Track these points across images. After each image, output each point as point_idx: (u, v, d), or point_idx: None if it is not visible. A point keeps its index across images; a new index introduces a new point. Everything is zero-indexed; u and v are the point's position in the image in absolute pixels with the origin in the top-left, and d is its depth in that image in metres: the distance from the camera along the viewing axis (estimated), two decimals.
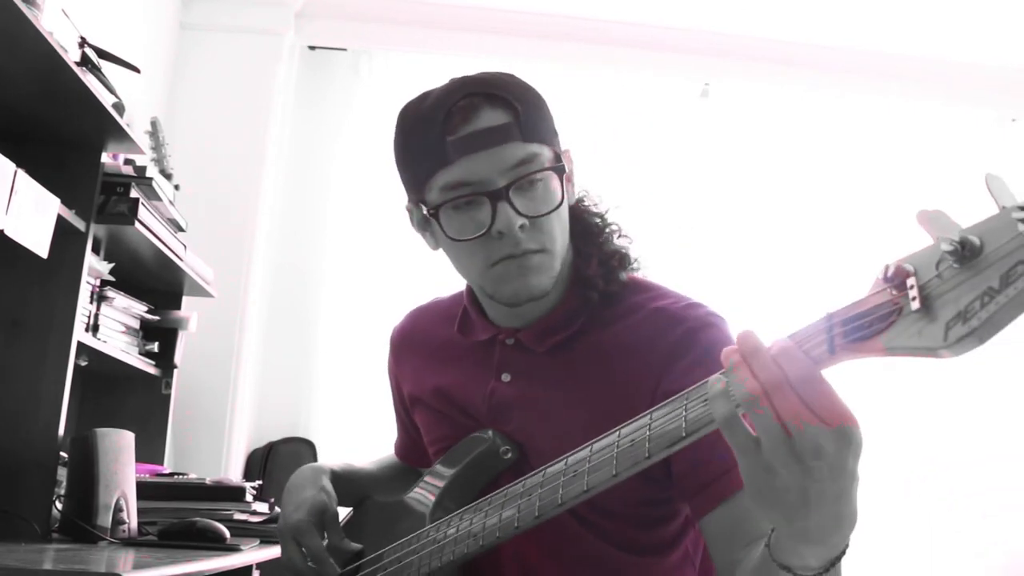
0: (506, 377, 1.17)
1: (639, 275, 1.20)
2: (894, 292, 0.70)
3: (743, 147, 3.83)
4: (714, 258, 3.67)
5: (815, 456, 0.71)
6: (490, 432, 1.15)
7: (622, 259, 1.18)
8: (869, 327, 0.70)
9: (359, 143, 3.72)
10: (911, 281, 0.68)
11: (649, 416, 0.87)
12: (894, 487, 3.53)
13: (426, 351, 1.29)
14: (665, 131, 3.82)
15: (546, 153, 1.09)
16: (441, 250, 1.17)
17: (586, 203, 1.22)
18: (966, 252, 0.65)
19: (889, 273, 0.70)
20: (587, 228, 1.19)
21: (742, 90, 3.87)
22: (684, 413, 0.83)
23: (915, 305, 0.67)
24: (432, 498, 1.16)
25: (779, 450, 0.72)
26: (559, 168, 1.10)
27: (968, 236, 0.65)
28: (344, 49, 3.82)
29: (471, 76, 1.12)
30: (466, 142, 1.05)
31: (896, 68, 3.82)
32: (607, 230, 1.20)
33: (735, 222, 3.78)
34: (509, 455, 1.13)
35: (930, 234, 0.68)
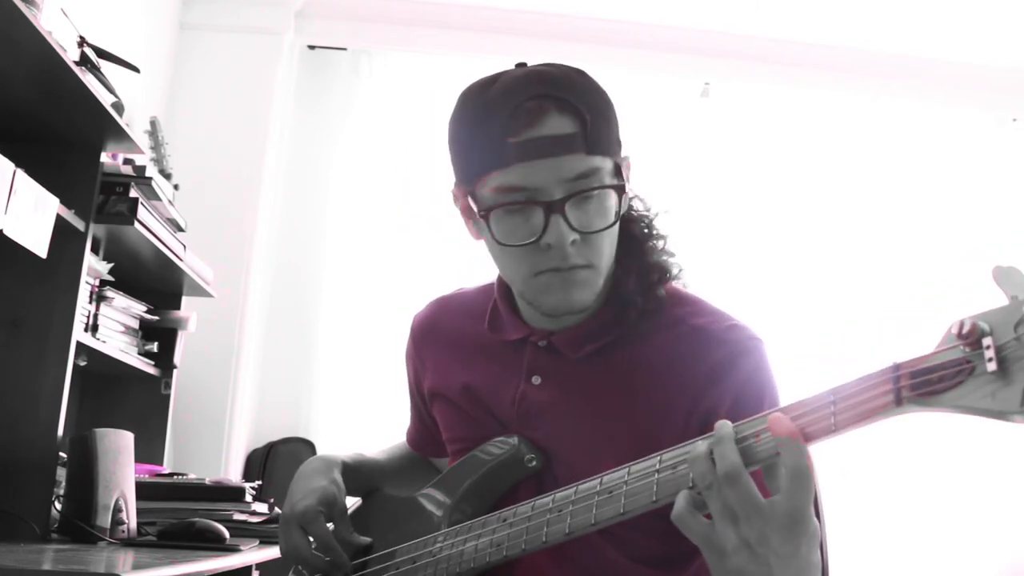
0: (536, 380, 1.14)
1: (678, 284, 1.17)
2: (966, 350, 0.68)
3: (743, 147, 3.82)
4: (712, 258, 3.66)
5: (760, 543, 0.76)
6: (515, 438, 1.12)
7: (662, 274, 1.14)
8: (938, 382, 0.69)
9: (359, 143, 3.70)
10: (987, 341, 0.67)
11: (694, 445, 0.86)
12: (894, 488, 3.53)
13: (451, 344, 1.24)
14: (665, 131, 3.81)
15: (608, 166, 1.06)
16: (483, 241, 1.13)
17: (634, 208, 1.18)
18: None
19: (964, 330, 0.68)
20: (631, 237, 1.15)
21: (742, 90, 3.87)
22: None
23: (991, 367, 0.66)
24: (449, 501, 1.14)
25: (727, 532, 0.78)
26: (619, 187, 1.07)
27: None
28: (344, 49, 3.81)
29: (542, 71, 1.07)
30: (528, 147, 1.02)
31: (896, 68, 3.82)
32: (652, 240, 1.16)
33: (734, 222, 3.77)
34: (533, 463, 1.10)
35: (1004, 292, 0.67)
